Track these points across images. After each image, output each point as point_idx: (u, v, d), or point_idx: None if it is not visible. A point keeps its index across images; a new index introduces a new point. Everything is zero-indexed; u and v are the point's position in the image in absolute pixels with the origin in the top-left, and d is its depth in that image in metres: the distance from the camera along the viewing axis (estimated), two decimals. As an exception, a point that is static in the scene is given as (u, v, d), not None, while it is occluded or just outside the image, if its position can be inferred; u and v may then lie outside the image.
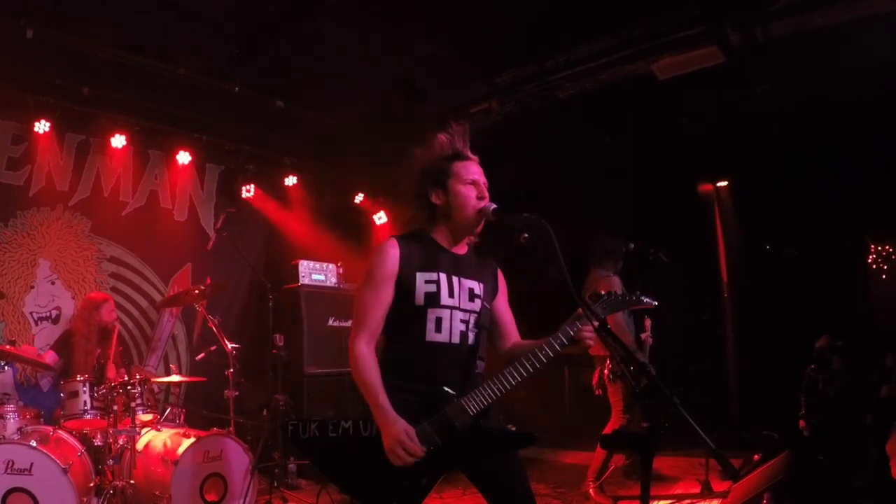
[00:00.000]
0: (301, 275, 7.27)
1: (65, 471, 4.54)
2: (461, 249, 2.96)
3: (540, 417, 7.86)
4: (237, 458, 5.25)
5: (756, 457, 5.43)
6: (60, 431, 4.99)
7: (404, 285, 2.81)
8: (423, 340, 2.78)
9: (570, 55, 6.64)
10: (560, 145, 7.70)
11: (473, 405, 2.71)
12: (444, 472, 2.71)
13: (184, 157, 7.44)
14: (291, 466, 6.49)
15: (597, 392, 5.89)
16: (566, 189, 7.66)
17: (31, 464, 4.49)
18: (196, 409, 6.48)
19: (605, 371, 5.76)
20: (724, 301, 8.98)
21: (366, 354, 2.73)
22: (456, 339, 2.83)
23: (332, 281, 7.51)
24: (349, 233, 8.50)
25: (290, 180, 8.19)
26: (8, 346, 5.32)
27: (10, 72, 6.17)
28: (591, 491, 5.65)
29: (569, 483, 6.34)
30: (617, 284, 5.70)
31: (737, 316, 8.83)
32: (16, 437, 4.72)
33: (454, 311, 2.83)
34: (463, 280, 2.89)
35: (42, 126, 6.54)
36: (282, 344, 6.38)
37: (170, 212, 7.73)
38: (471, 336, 2.88)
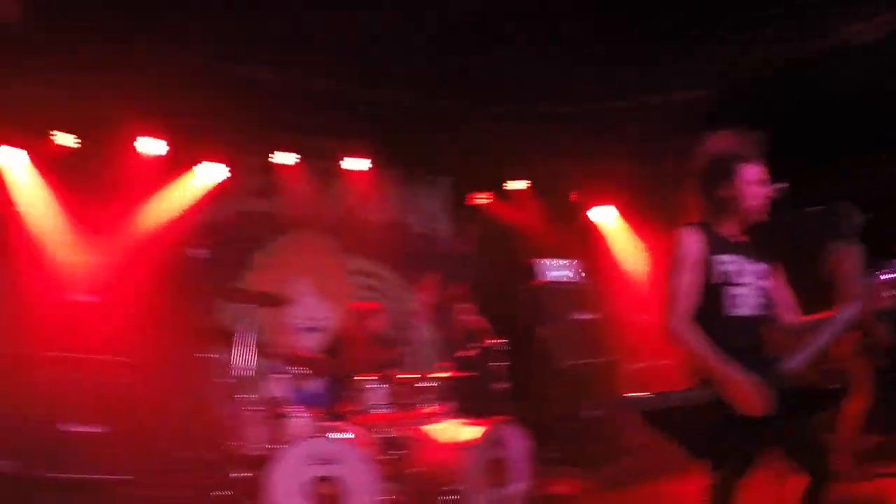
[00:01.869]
0: (542, 272, 7.57)
1: (366, 459, 4.99)
2: (742, 238, 3.13)
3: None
4: (518, 444, 5.53)
5: None
6: (353, 426, 5.44)
7: (704, 267, 2.98)
8: (725, 316, 2.95)
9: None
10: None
11: (787, 374, 2.85)
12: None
13: (418, 174, 7.97)
14: (555, 454, 6.70)
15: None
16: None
17: (335, 454, 4.95)
18: (466, 402, 6.80)
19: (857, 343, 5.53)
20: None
21: (687, 329, 2.89)
22: (754, 312, 3.01)
23: (573, 276, 7.75)
24: (574, 231, 8.64)
25: (517, 185, 8.55)
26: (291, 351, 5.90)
27: (253, 113, 6.81)
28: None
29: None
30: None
31: None
32: (313, 432, 5.21)
33: (748, 288, 3.01)
34: (750, 263, 3.05)
35: (286, 158, 7.25)
36: (537, 338, 6.63)
37: (410, 226, 8.31)
38: (764, 310, 3.05)
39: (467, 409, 6.23)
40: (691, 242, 2.99)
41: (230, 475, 5.14)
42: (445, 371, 6.35)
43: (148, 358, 6.47)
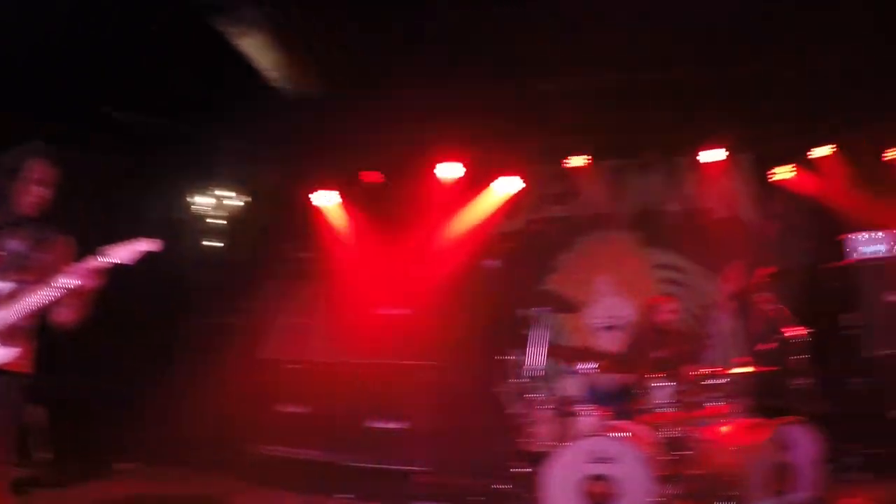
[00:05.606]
0: (853, 248, 6.79)
1: (643, 459, 5.01)
2: None
3: None
4: (808, 447, 5.16)
5: None
6: (636, 425, 5.50)
7: None
8: None
9: None
10: None
11: None
12: None
13: (715, 155, 7.60)
14: (856, 459, 6.08)
15: None
16: None
17: (612, 453, 5.06)
18: (761, 399, 6.47)
19: None
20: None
21: None
22: None
23: (889, 250, 6.77)
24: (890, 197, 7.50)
25: (822, 151, 7.65)
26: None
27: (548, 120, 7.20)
28: None
29: None
30: None
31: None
32: (597, 430, 5.40)
33: None
34: None
35: (579, 161, 7.54)
36: (846, 325, 6.02)
37: (710, 210, 7.94)
38: None
39: (765, 406, 5.91)
40: None
41: (511, 470, 5.62)
42: (743, 366, 6.09)
43: (450, 361, 7.14)
